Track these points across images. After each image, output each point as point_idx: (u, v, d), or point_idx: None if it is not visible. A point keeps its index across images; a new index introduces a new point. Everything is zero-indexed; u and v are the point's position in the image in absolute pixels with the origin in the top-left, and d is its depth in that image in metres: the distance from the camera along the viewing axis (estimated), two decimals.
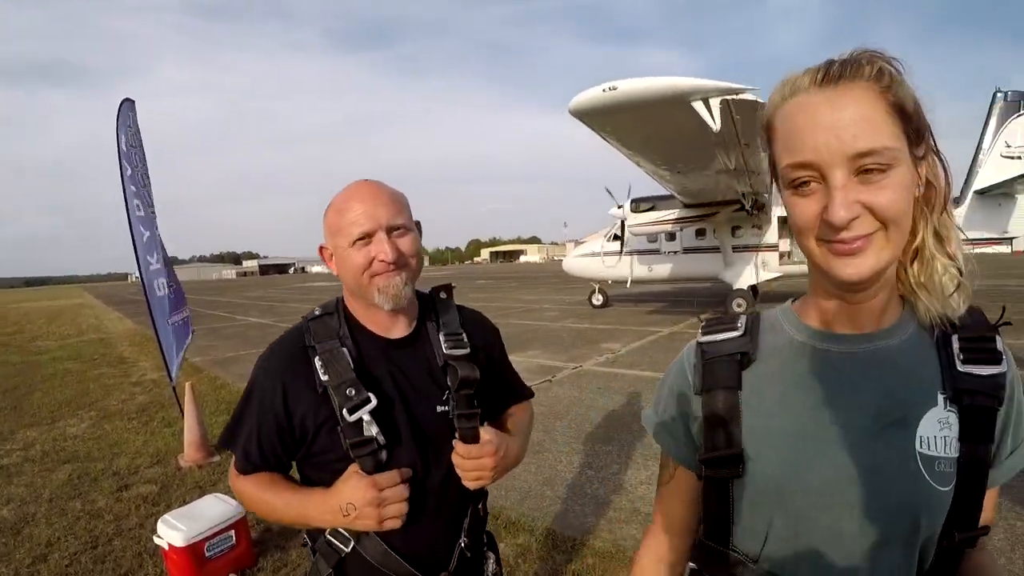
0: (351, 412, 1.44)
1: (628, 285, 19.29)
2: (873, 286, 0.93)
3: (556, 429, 6.64)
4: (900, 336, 0.98)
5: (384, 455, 1.48)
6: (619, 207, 18.54)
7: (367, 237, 1.50)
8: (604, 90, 9.40)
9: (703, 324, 1.12)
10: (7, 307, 47.22)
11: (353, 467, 1.47)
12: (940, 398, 0.93)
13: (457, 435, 1.54)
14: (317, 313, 1.62)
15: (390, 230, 1.51)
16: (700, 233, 18.18)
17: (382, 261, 1.49)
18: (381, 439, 1.47)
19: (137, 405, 9.13)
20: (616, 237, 19.02)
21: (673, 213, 17.33)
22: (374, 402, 1.46)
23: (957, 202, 18.07)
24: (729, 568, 1.04)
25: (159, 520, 3.90)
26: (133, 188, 6.34)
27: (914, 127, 0.87)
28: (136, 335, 19.14)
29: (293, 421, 1.51)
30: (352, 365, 1.49)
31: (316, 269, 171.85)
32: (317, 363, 1.49)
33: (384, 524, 1.42)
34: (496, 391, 1.79)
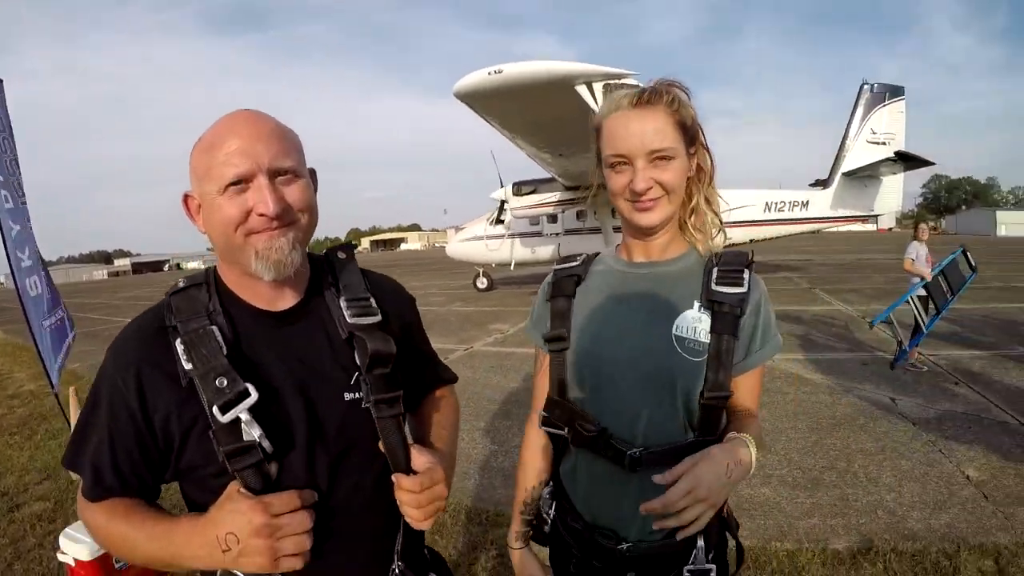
0: (224, 410, 1.10)
1: (512, 268, 19.77)
2: (659, 230, 1.45)
3: None
4: (678, 264, 1.48)
5: (273, 467, 1.16)
6: (501, 188, 18.97)
7: (243, 182, 1.14)
8: (490, 73, 9.54)
9: (558, 260, 1.67)
10: None
11: (234, 485, 1.13)
12: (696, 304, 1.41)
13: (392, 465, 1.26)
14: (181, 285, 1.26)
15: (273, 174, 1.16)
16: (581, 215, 18.88)
17: (261, 215, 1.14)
18: (267, 445, 1.14)
19: (17, 418, 8.61)
20: (499, 221, 19.47)
21: (555, 196, 17.83)
22: (254, 395, 1.12)
23: (826, 183, 19.74)
24: (563, 410, 1.51)
25: (60, 535, 3.76)
26: (1, 178, 5.96)
27: (690, 135, 1.39)
28: (6, 344, 17.85)
29: (154, 424, 1.16)
30: (224, 348, 1.15)
31: (192, 265, 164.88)
32: (178, 347, 1.15)
33: (280, 564, 1.09)
34: (414, 371, 1.47)
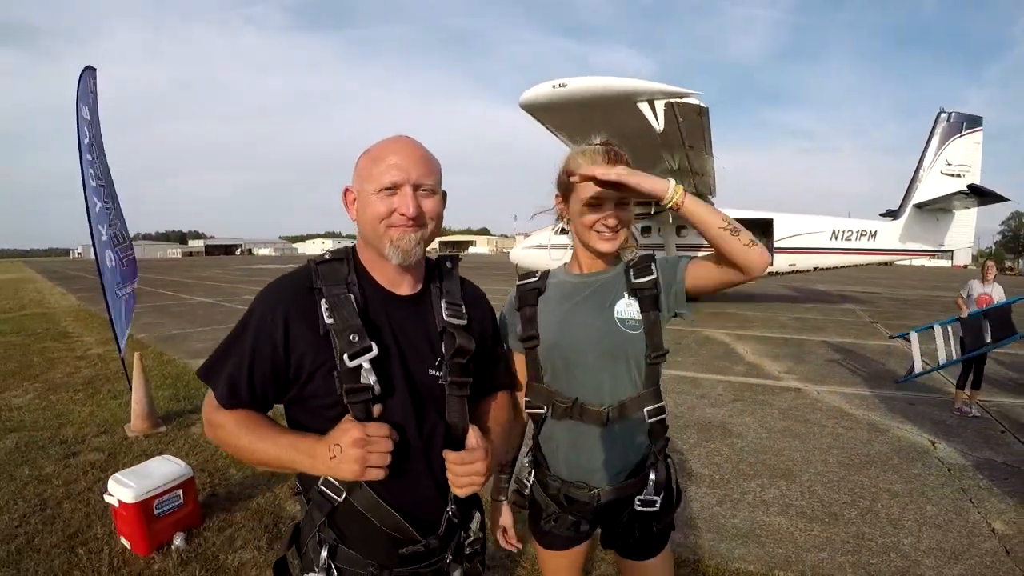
0: (352, 358, 1.44)
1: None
2: (610, 254, 1.93)
3: None
4: (610, 273, 1.96)
5: (376, 407, 1.48)
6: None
7: (394, 188, 1.51)
8: (554, 86, 9.70)
9: (519, 277, 2.11)
10: None
11: (347, 417, 1.46)
12: (625, 294, 1.89)
13: (452, 433, 1.58)
14: (327, 257, 1.62)
15: (417, 187, 1.52)
16: (646, 231, 18.84)
17: (402, 214, 1.50)
18: (377, 388, 1.47)
19: (83, 378, 9.13)
20: (563, 231, 19.44)
21: None
22: (375, 351, 1.46)
23: (896, 214, 19.11)
24: (540, 392, 1.96)
25: (110, 478, 4.07)
26: (89, 157, 6.38)
27: (644, 195, 1.74)
28: (80, 311, 18.86)
29: (291, 358, 1.49)
30: (357, 312, 1.50)
31: (263, 251, 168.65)
32: (323, 305, 1.49)
33: (367, 472, 1.39)
34: (484, 369, 1.78)
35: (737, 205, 19.24)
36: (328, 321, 1.48)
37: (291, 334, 1.49)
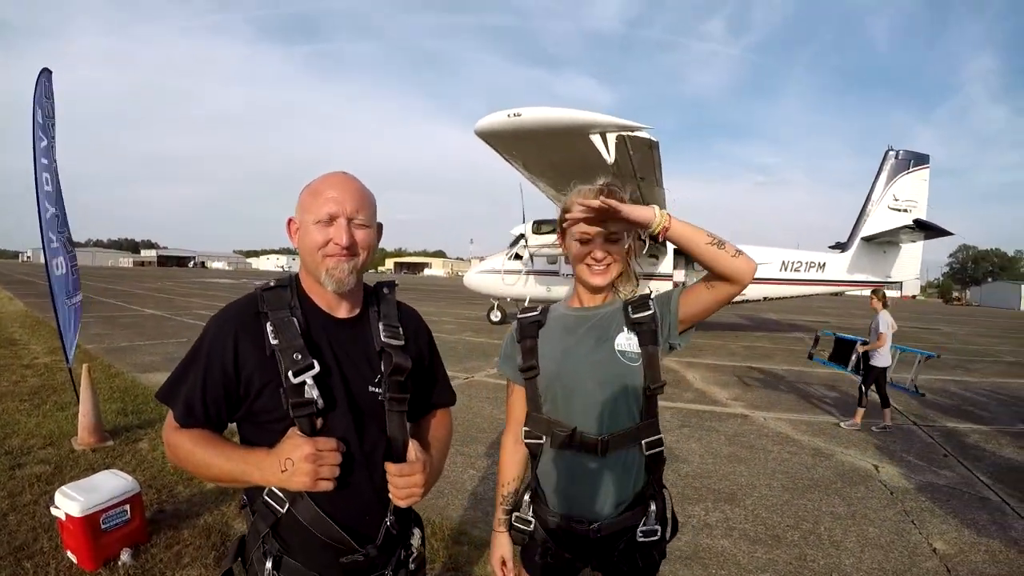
0: (296, 375, 1.55)
1: (527, 304, 19.83)
2: (605, 288, 2.01)
3: None
4: (609, 308, 2.03)
5: (320, 421, 1.58)
6: (522, 224, 19.26)
7: (330, 219, 1.63)
8: (509, 115, 9.85)
9: (520, 310, 2.19)
10: None
11: (293, 430, 1.56)
12: (625, 328, 1.96)
13: (392, 448, 1.70)
14: (271, 285, 1.73)
15: (351, 219, 1.64)
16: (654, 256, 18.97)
17: (336, 244, 1.62)
18: (320, 403, 1.57)
19: (29, 387, 8.92)
20: (517, 256, 19.71)
21: None
22: (317, 368, 1.57)
23: (844, 247, 19.70)
24: (539, 422, 2.01)
25: (57, 491, 4.00)
26: (44, 161, 6.30)
27: (631, 224, 1.84)
28: (27, 317, 18.39)
29: (241, 377, 1.59)
30: (300, 333, 1.61)
31: (216, 265, 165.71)
32: (268, 328, 1.60)
33: (318, 484, 1.50)
34: (422, 387, 1.91)
35: None
36: (273, 342, 1.58)
37: (240, 355, 1.59)
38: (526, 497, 2.15)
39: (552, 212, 17.14)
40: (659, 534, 2.00)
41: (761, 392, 10.57)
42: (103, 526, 3.91)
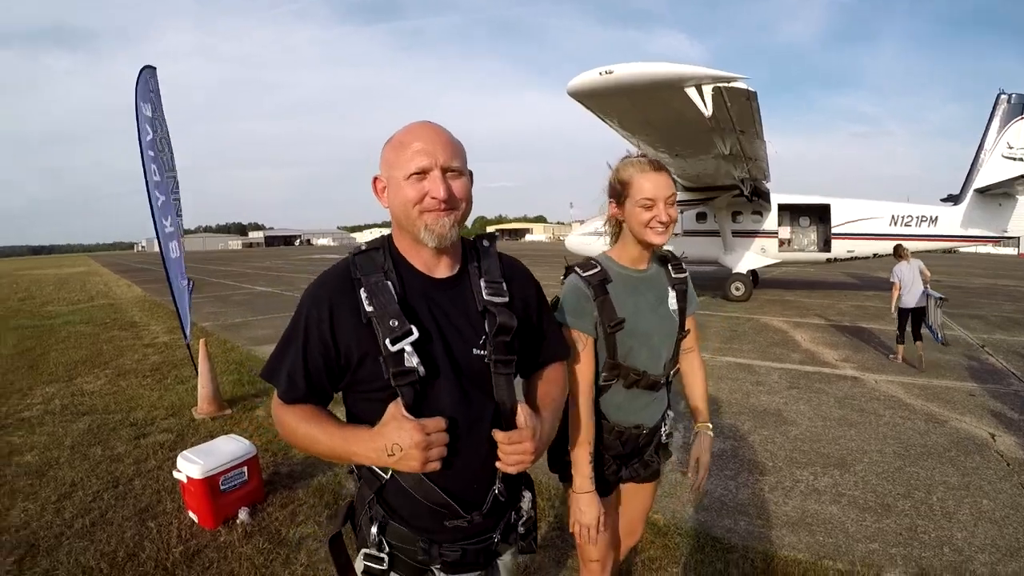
0: (393, 342, 1.48)
1: None
2: (660, 246, 2.28)
3: None
4: (655, 268, 2.37)
5: (422, 388, 1.53)
6: None
7: (422, 173, 1.53)
8: (600, 73, 9.57)
9: (578, 266, 2.28)
10: (16, 274, 47.62)
11: (393, 406, 1.50)
12: (670, 289, 2.37)
13: (500, 412, 1.63)
14: (363, 248, 1.66)
15: (445, 170, 1.55)
16: (701, 217, 18.53)
17: (434, 198, 1.52)
18: (421, 370, 1.51)
19: (151, 364, 9.52)
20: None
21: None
22: (416, 334, 1.50)
23: (956, 200, 18.34)
24: (616, 368, 2.26)
25: (179, 455, 4.30)
26: (151, 153, 6.61)
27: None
28: (145, 301, 19.55)
29: (340, 348, 1.54)
30: (396, 298, 1.53)
31: (321, 242, 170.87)
32: (362, 294, 1.53)
33: (426, 467, 1.46)
34: (532, 343, 1.81)
35: (793, 190, 18.84)
36: (368, 309, 1.52)
37: (336, 325, 1.55)
38: None
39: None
40: (669, 434, 2.55)
41: (872, 354, 10.02)
42: (222, 487, 4.14)
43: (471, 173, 1.68)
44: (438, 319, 1.60)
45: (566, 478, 2.32)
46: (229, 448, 4.38)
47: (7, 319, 16.68)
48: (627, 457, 2.43)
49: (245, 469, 4.31)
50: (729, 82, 9.61)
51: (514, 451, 1.56)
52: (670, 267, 2.40)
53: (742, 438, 5.92)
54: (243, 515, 4.20)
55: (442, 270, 1.67)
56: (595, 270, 2.23)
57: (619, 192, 2.21)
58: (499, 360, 1.63)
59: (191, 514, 4.22)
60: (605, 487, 2.35)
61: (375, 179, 1.68)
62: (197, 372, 6.87)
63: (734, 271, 17.40)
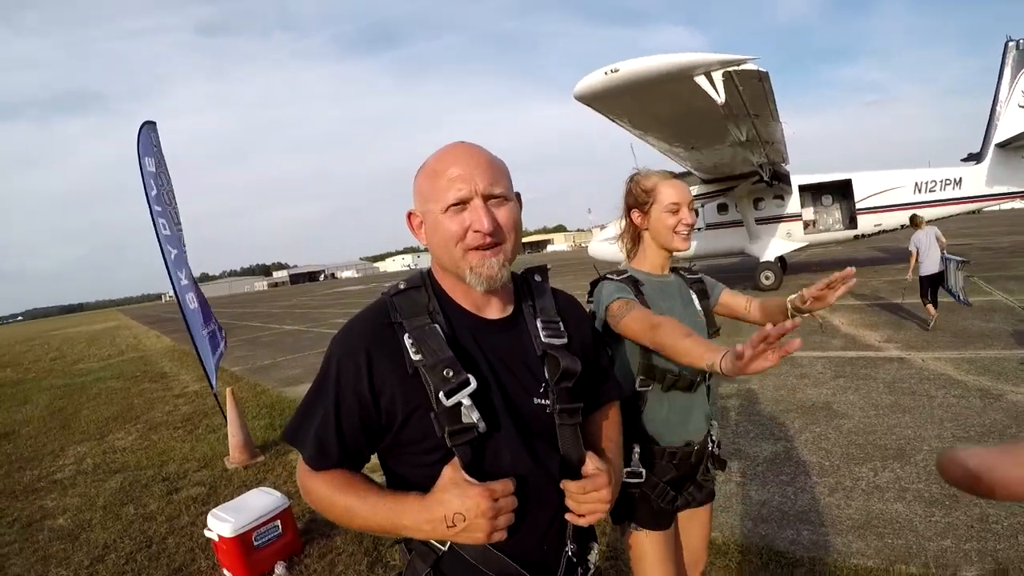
0: (449, 395, 1.27)
1: None
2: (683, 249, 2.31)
3: None
4: (674, 276, 2.39)
5: (480, 445, 1.34)
6: None
7: (462, 203, 1.34)
8: (606, 73, 9.36)
9: (608, 273, 2.29)
10: (47, 335, 48.42)
11: (451, 469, 1.31)
12: (691, 291, 2.38)
13: (568, 465, 1.43)
14: (402, 287, 1.46)
15: (487, 198, 1.35)
16: (722, 208, 18.21)
17: (477, 231, 1.33)
18: (482, 426, 1.31)
19: (181, 415, 9.48)
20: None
21: (692, 190, 17.27)
22: (474, 384, 1.30)
23: (977, 158, 17.72)
24: (653, 370, 2.20)
25: (209, 514, 4.17)
26: (159, 208, 6.63)
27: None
28: (174, 351, 19.67)
29: (380, 404, 1.33)
30: (446, 342, 1.34)
31: (345, 274, 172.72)
32: (407, 341, 1.33)
33: (492, 537, 1.27)
34: (590, 383, 1.61)
35: (812, 169, 18.48)
36: (415, 357, 1.31)
37: (375, 377, 1.33)
38: (635, 451, 2.24)
39: (667, 166, 16.49)
40: (719, 445, 2.45)
41: (915, 330, 9.63)
42: (255, 543, 4.01)
43: (518, 196, 1.48)
44: (494, 366, 1.40)
45: (621, 517, 2.26)
46: (261, 503, 4.24)
47: (39, 380, 16.93)
48: (681, 482, 2.31)
49: (279, 523, 4.17)
50: (739, 65, 9.36)
51: (588, 499, 1.38)
52: (683, 273, 2.47)
53: (793, 438, 5.61)
54: (280, 570, 4.06)
55: (494, 311, 1.48)
56: (626, 274, 2.29)
57: (644, 201, 2.30)
58: (564, 409, 1.43)
59: (226, 572, 4.10)
60: (662, 519, 2.26)
61: (409, 214, 1.48)
62: (226, 420, 6.77)
63: (762, 260, 17.04)
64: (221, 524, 3.98)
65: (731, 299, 2.47)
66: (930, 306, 9.62)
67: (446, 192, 1.34)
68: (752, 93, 10.19)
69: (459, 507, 1.24)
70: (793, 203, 17.63)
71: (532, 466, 1.39)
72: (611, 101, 10.39)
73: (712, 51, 9.87)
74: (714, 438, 2.40)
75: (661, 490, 2.24)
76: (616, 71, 9.33)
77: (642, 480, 2.23)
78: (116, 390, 12.97)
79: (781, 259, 17.79)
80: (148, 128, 6.83)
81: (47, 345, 33.43)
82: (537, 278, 1.59)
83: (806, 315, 2.11)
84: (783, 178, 16.50)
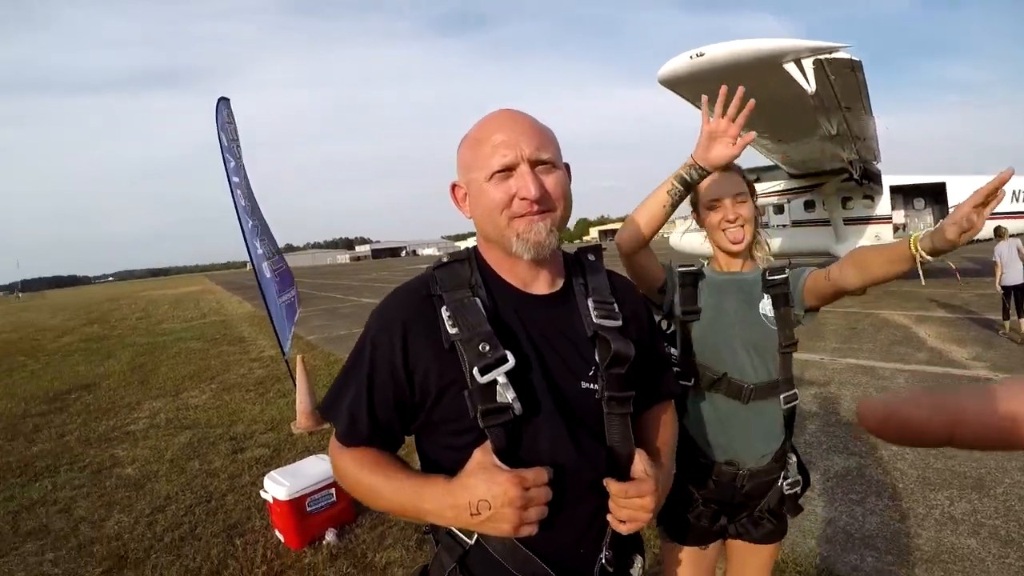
0: (483, 372, 1.18)
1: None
2: (743, 250, 2.05)
3: None
4: (752, 275, 2.09)
5: (516, 429, 1.24)
6: None
7: (507, 170, 1.25)
8: (691, 57, 8.97)
9: (680, 265, 2.14)
10: (135, 295, 50.77)
11: (481, 452, 1.21)
12: (764, 295, 2.05)
13: (614, 460, 1.32)
14: (445, 260, 1.38)
15: (534, 164, 1.26)
16: (809, 205, 17.39)
17: (524, 199, 1.24)
18: (518, 407, 1.20)
19: (255, 379, 9.78)
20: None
21: (778, 184, 16.59)
22: (511, 361, 1.20)
23: None
24: (691, 365, 2.04)
25: (265, 476, 4.24)
26: (236, 179, 6.79)
27: (751, 190, 2.05)
28: (255, 316, 20.28)
29: (414, 379, 1.26)
30: (486, 317, 1.25)
31: (427, 251, 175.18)
32: (444, 314, 1.25)
33: (521, 530, 1.15)
34: (647, 375, 1.49)
35: (904, 170, 17.59)
36: (452, 331, 1.23)
37: (410, 352, 1.25)
38: None
39: (755, 159, 15.75)
40: (800, 485, 2.11)
41: (1006, 349, 8.86)
42: (308, 508, 4.05)
43: (568, 167, 1.39)
44: (538, 344, 1.30)
45: (670, 534, 2.11)
46: (317, 469, 4.29)
47: (123, 337, 17.79)
48: (729, 507, 2.07)
49: (333, 491, 4.20)
50: (831, 53, 8.83)
51: (629, 505, 1.25)
52: (767, 272, 2.08)
53: (868, 454, 5.21)
54: (330, 536, 4.10)
55: (541, 285, 1.37)
56: (691, 267, 2.14)
57: (693, 199, 2.12)
58: (614, 397, 1.31)
59: (278, 533, 4.19)
60: (696, 535, 2.08)
61: (453, 185, 1.40)
62: (295, 385, 6.91)
63: None
64: (277, 487, 4.04)
65: (816, 282, 2.00)
66: (1006, 322, 9.65)
67: (490, 159, 1.26)
68: (844, 83, 9.66)
69: (485, 493, 1.14)
70: (883, 204, 16.69)
71: (573, 456, 1.27)
72: (696, 86, 9.78)
73: (804, 39, 9.33)
74: (789, 475, 2.08)
75: (695, 503, 2.06)
76: (702, 55, 8.93)
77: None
78: (195, 351, 13.50)
79: None
80: (223, 104, 7.02)
81: (134, 305, 35.03)
82: (591, 257, 1.48)
83: (939, 264, 1.90)
84: (874, 177, 15.68)
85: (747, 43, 8.84)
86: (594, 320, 1.34)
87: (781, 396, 2.02)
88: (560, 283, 1.40)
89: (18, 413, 8.97)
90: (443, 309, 1.26)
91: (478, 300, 1.27)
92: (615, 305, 1.39)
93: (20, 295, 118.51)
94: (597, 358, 1.32)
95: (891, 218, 16.58)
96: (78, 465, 6.21)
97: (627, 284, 1.55)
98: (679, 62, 9.20)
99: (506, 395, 1.20)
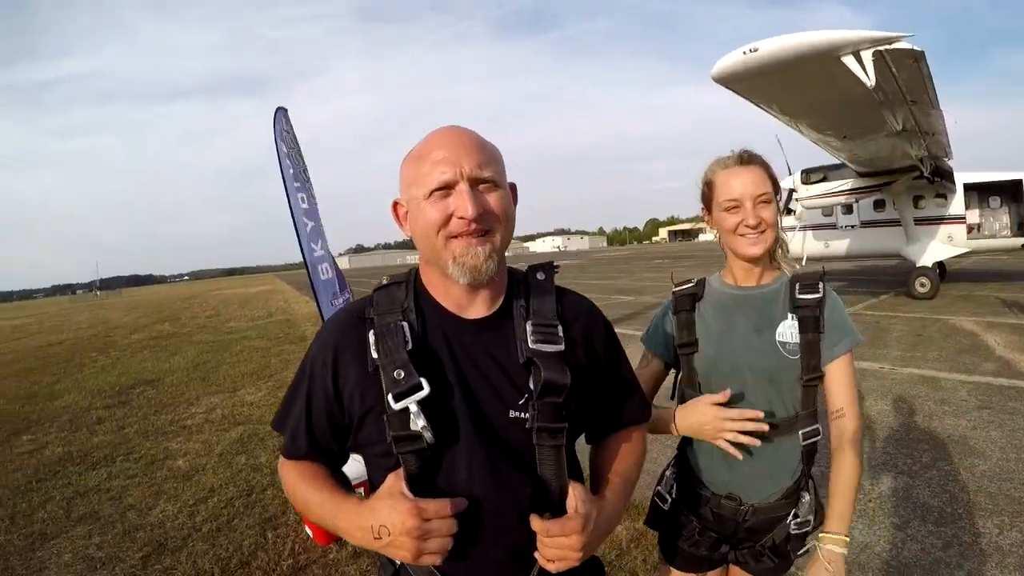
0: (396, 399, 1.19)
1: (803, 263, 17.30)
2: (761, 260, 1.85)
3: None
4: (772, 287, 1.88)
5: (435, 456, 1.24)
6: (789, 176, 16.95)
7: (446, 188, 1.23)
8: (745, 52, 8.68)
9: (676, 284, 2.02)
10: (207, 294, 52.46)
11: (392, 478, 1.21)
12: (789, 315, 1.80)
13: (544, 494, 1.28)
14: (385, 283, 1.39)
15: (475, 182, 1.24)
16: (879, 205, 16.70)
17: (461, 218, 1.22)
18: (428, 436, 1.21)
19: None
20: (789, 211, 17.37)
21: (847, 183, 15.93)
22: (426, 390, 1.19)
23: None
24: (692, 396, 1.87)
25: None
26: (297, 184, 7.00)
27: (775, 186, 1.82)
28: (311, 314, 20.61)
29: (343, 401, 1.29)
30: (408, 343, 1.25)
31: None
32: (370, 338, 1.27)
33: (421, 559, 1.17)
34: (600, 403, 1.46)
35: (978, 166, 16.73)
36: (374, 356, 1.24)
37: (340, 374, 1.29)
38: (668, 474, 2.08)
39: (820, 157, 15.06)
40: (811, 525, 1.89)
41: None
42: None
43: (513, 186, 1.37)
44: (464, 371, 1.28)
45: (668, 559, 2.04)
46: (349, 469, 4.28)
47: (191, 335, 18.53)
48: (732, 537, 1.94)
49: (362, 491, 4.19)
50: (891, 43, 8.35)
51: (555, 544, 1.21)
52: (797, 285, 1.83)
53: (918, 474, 4.84)
54: None
55: (476, 309, 1.34)
56: (688, 284, 2.00)
57: (707, 196, 1.91)
58: (544, 428, 1.27)
59: (308, 530, 4.31)
60: (689, 561, 2.00)
61: (395, 204, 1.38)
62: None
63: (918, 264, 15.46)
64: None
65: (832, 384, 1.80)
66: None
67: (428, 176, 1.24)
68: (908, 76, 9.18)
69: (386, 519, 1.15)
70: (956, 203, 15.89)
71: (492, 489, 1.25)
72: (751, 83, 9.66)
73: (877, 30, 8.84)
74: (799, 515, 1.87)
75: (691, 530, 1.96)
76: (755, 50, 8.63)
77: (666, 506, 2.03)
78: (257, 349, 13.92)
79: (940, 265, 16.24)
80: (281, 114, 7.24)
81: (205, 304, 36.23)
82: (540, 276, 1.42)
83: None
84: (945, 175, 14.98)
85: (801, 37, 8.48)
86: (530, 345, 1.29)
87: (800, 432, 1.81)
88: (498, 305, 1.37)
89: (84, 406, 9.46)
90: (370, 333, 1.27)
91: (405, 325, 1.27)
92: (558, 328, 1.34)
93: (99, 293, 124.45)
94: (532, 385, 1.28)
95: (965, 218, 15.81)
96: (133, 456, 6.56)
97: (580, 304, 1.48)
98: (732, 58, 8.91)
99: (417, 423, 1.19)
